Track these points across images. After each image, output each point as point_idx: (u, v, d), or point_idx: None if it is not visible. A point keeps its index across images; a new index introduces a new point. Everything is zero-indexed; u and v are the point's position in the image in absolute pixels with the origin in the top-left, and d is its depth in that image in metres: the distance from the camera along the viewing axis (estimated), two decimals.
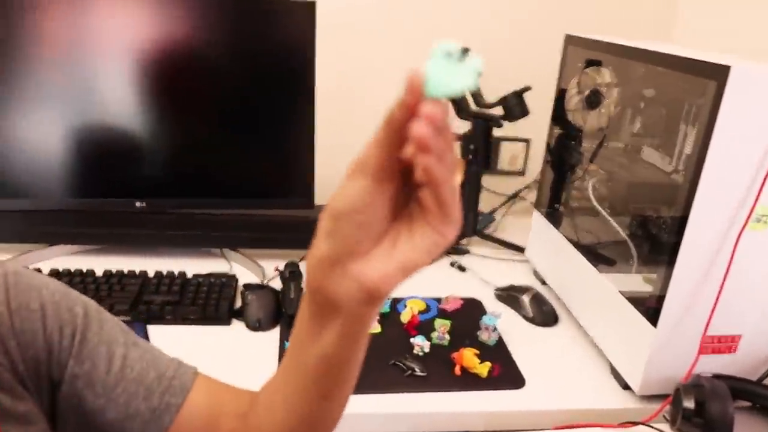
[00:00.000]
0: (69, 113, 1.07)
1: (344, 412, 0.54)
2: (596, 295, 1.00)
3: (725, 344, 0.86)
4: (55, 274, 1.04)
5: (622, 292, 0.93)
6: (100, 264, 1.11)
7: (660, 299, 0.82)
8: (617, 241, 1.08)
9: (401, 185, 0.40)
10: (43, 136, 1.08)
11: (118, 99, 1.08)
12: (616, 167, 1.12)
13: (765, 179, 0.74)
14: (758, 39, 1.25)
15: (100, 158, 1.11)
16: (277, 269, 1.11)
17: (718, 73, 0.70)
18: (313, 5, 1.05)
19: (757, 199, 0.75)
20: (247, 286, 1.05)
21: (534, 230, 1.25)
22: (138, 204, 1.13)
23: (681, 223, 0.78)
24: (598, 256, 1.06)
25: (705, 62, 0.73)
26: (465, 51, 0.35)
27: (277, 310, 1.01)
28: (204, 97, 1.11)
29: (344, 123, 1.40)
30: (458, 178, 0.41)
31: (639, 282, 0.97)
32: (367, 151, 0.38)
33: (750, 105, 0.71)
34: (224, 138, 1.14)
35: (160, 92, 1.08)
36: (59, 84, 1.05)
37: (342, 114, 1.39)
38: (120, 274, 1.06)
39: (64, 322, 0.50)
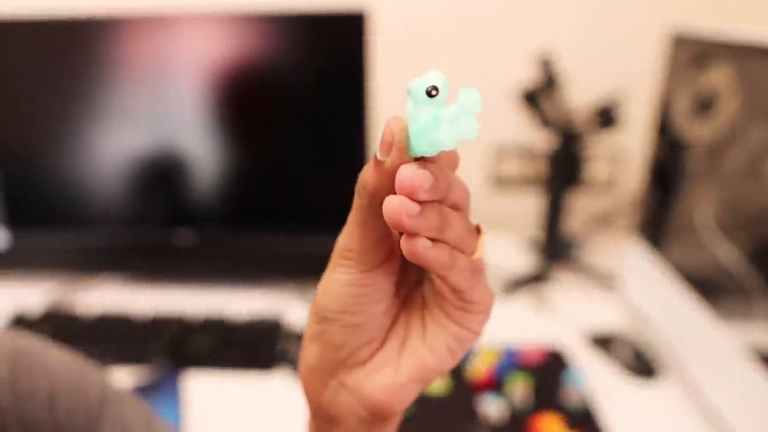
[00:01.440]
0: (131, 141, 1.03)
1: None
2: (712, 346, 0.81)
3: None
4: (94, 317, 0.97)
5: (748, 346, 0.73)
6: (144, 298, 1.04)
7: None
8: (737, 278, 0.88)
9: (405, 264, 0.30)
10: (105, 162, 1.04)
11: (180, 125, 1.02)
12: (736, 186, 0.92)
13: None
14: None
15: (158, 186, 1.05)
16: None
17: None
18: (360, 18, 0.93)
19: None
20: (295, 331, 0.93)
21: (631, 259, 1.06)
22: (192, 234, 1.05)
23: None
24: (712, 296, 0.86)
25: None
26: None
27: None
28: (266, 123, 1.03)
29: None
30: (479, 251, 0.28)
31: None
32: (346, 233, 0.29)
33: None
34: (283, 165, 1.05)
35: (218, 119, 1.01)
36: (125, 110, 1.01)
37: None
38: (161, 315, 0.97)
39: (77, 407, 0.44)
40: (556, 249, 1.17)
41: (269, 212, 1.07)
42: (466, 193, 0.27)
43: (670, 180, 1.00)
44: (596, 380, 0.86)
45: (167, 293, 1.08)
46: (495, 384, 0.83)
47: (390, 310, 0.31)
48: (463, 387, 0.83)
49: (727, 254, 0.88)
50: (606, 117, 1.01)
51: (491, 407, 0.77)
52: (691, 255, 0.96)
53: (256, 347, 0.90)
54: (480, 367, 0.84)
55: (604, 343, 0.93)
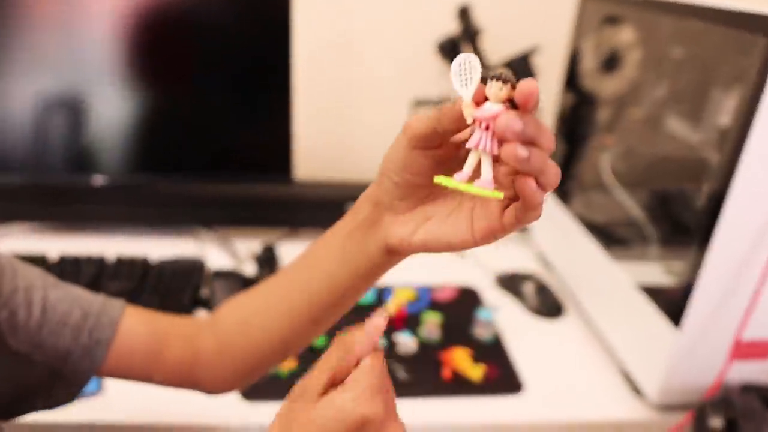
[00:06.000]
0: (34, 81, 0.97)
1: None
2: (608, 285, 0.88)
3: (759, 350, 0.73)
4: None
5: (640, 285, 0.80)
6: (58, 245, 1.01)
7: (685, 294, 0.70)
8: (634, 223, 0.95)
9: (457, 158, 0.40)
10: (12, 107, 0.98)
11: (93, 68, 0.98)
12: (635, 139, 0.99)
13: None
14: None
15: (64, 129, 1.01)
16: (255, 257, 1.00)
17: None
18: None
19: None
20: (216, 274, 0.94)
21: None
22: (99, 179, 1.02)
23: (716, 203, 0.66)
24: (611, 239, 0.93)
25: (752, 14, 0.59)
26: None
27: None
28: (170, 63, 0.99)
29: (333, 89, 1.27)
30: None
31: (658, 271, 0.85)
32: (423, 117, 0.37)
33: None
34: (194, 106, 1.02)
35: (134, 61, 0.98)
36: (34, 51, 0.95)
37: (330, 79, 1.26)
38: (76, 259, 0.95)
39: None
40: None
41: (192, 156, 1.05)
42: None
43: (576, 133, 1.05)
44: (505, 317, 0.92)
45: (81, 239, 1.06)
46: (409, 321, 0.87)
47: (427, 186, 0.40)
48: None
49: (625, 202, 0.95)
50: (520, 70, 1.05)
51: (404, 342, 0.81)
52: (594, 203, 1.02)
53: (176, 291, 0.90)
54: (395, 306, 0.88)
55: (514, 286, 0.99)
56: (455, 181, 0.35)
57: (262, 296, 0.53)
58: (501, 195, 0.34)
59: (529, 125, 0.33)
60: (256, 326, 0.53)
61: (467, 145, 0.35)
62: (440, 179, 0.36)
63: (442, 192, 0.41)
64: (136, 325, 0.54)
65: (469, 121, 0.34)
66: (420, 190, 0.41)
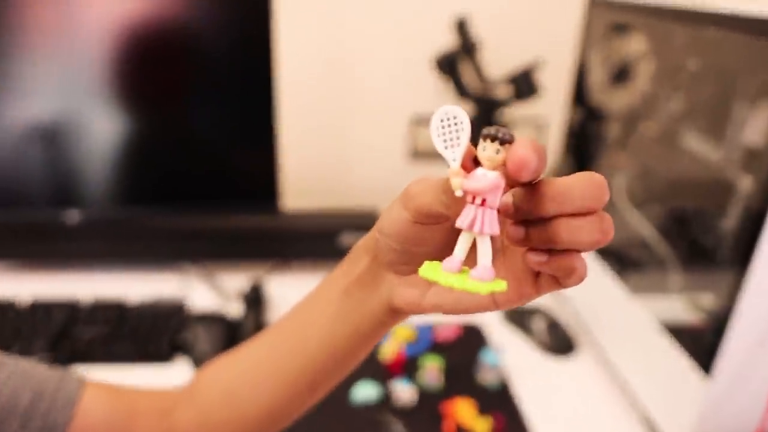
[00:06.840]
0: (6, 112, 0.91)
1: None
2: (625, 318, 0.80)
3: None
4: None
5: (660, 319, 0.72)
6: (31, 286, 0.95)
7: (716, 333, 0.62)
8: (651, 249, 0.87)
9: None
10: None
11: (62, 96, 0.91)
12: (650, 157, 0.91)
13: None
14: None
15: (38, 163, 0.94)
16: (241, 296, 0.92)
17: None
18: None
19: None
20: (198, 317, 0.86)
21: None
22: (75, 213, 0.95)
23: (751, 229, 0.58)
24: (627, 267, 0.85)
25: None
26: None
27: (229, 345, 0.83)
28: (149, 89, 0.92)
29: (324, 108, 1.20)
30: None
31: (680, 303, 0.77)
32: (424, 190, 0.31)
33: None
34: (174, 134, 0.95)
35: (116, 90, 0.91)
36: (13, 76, 0.89)
37: (320, 98, 1.19)
38: (48, 304, 0.88)
39: None
40: None
41: (172, 188, 0.98)
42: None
43: (586, 150, 0.98)
44: (513, 354, 0.84)
45: (57, 278, 0.99)
46: (407, 366, 0.79)
47: (434, 254, 0.33)
48: (375, 367, 0.79)
49: (639, 226, 0.87)
50: (523, 85, 0.97)
51: (402, 392, 0.74)
52: None
53: (154, 336, 0.83)
54: (393, 350, 0.80)
55: (522, 320, 0.91)
56: (444, 273, 0.27)
57: (249, 359, 0.46)
58: (504, 286, 0.27)
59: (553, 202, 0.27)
60: (243, 395, 0.45)
61: (457, 225, 0.27)
62: (426, 271, 0.28)
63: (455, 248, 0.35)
64: (98, 403, 0.47)
65: (458, 193, 0.26)
66: (427, 256, 0.33)
